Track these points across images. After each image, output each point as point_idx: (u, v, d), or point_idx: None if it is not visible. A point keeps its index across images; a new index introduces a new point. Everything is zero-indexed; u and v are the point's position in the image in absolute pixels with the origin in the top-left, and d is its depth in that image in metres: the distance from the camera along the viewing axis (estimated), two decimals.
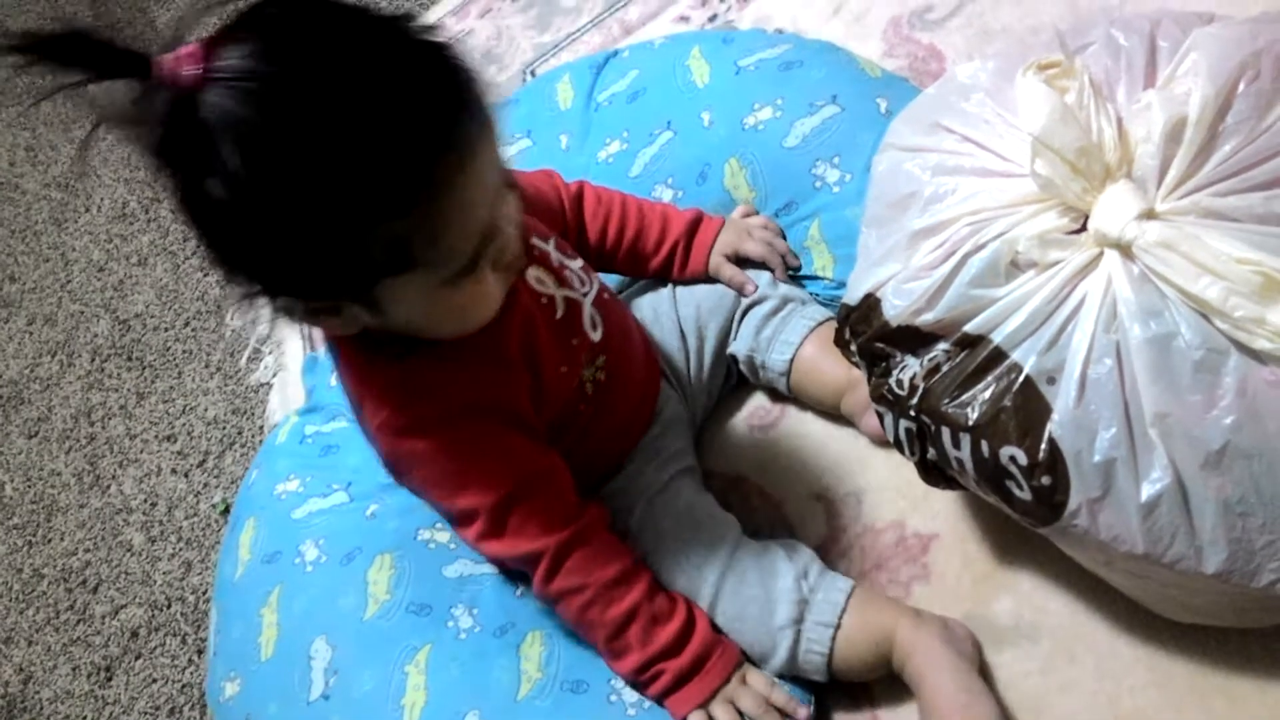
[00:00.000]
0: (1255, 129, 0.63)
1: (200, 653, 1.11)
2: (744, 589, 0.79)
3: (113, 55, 0.57)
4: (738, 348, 0.97)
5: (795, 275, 1.00)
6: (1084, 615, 0.79)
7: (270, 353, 1.31)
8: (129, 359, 1.41)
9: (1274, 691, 0.72)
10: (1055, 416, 0.64)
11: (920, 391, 0.70)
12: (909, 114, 0.78)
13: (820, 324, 0.94)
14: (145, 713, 1.09)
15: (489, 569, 0.87)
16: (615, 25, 1.41)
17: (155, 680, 1.11)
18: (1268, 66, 0.64)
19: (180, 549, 1.20)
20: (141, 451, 1.31)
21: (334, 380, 1.04)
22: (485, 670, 0.79)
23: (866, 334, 0.74)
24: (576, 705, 0.78)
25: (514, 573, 0.85)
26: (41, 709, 1.15)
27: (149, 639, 1.14)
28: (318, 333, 0.78)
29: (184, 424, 1.31)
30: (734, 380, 1.00)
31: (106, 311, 1.49)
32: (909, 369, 0.72)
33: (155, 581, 1.18)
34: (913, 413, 0.71)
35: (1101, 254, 0.65)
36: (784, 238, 1.00)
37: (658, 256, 0.98)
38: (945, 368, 0.69)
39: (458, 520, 0.80)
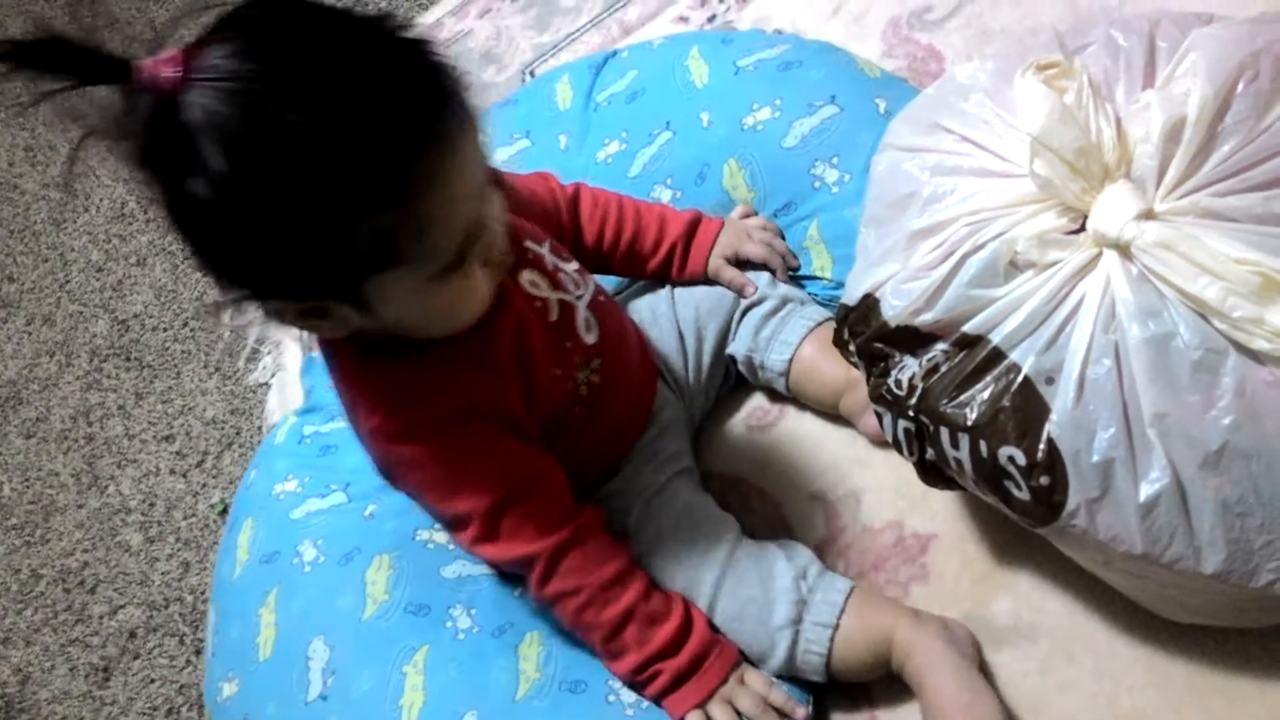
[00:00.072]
0: (1254, 129, 0.63)
1: (198, 653, 1.10)
2: (742, 589, 0.79)
3: (93, 61, 0.57)
4: (736, 348, 0.97)
5: (794, 275, 1.00)
6: (1082, 615, 0.79)
7: (269, 353, 1.31)
8: (127, 359, 1.41)
9: (1273, 691, 0.72)
10: (1054, 416, 0.64)
11: (919, 392, 0.70)
12: (908, 114, 0.78)
13: (819, 324, 0.94)
14: (143, 713, 1.09)
15: (487, 569, 0.87)
16: (614, 25, 1.41)
17: (153, 681, 1.11)
18: (1266, 67, 0.64)
19: (178, 549, 1.20)
20: (140, 452, 1.30)
21: (331, 385, 1.04)
22: (483, 670, 0.79)
23: (865, 334, 0.74)
24: (575, 705, 0.78)
25: (512, 573, 0.85)
26: (39, 709, 1.15)
27: (147, 639, 1.14)
28: (313, 335, 0.78)
29: (182, 424, 1.31)
30: (733, 380, 1.00)
31: (105, 312, 1.48)
32: (908, 369, 0.72)
33: (153, 582, 1.18)
34: (911, 413, 0.71)
35: (1100, 254, 0.65)
36: (783, 238, 1.00)
37: (655, 258, 0.98)
38: (944, 368, 0.69)
39: (452, 525, 0.80)
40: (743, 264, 0.98)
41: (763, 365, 0.95)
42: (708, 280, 0.99)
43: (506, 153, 1.15)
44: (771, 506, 0.93)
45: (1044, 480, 0.65)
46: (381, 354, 0.74)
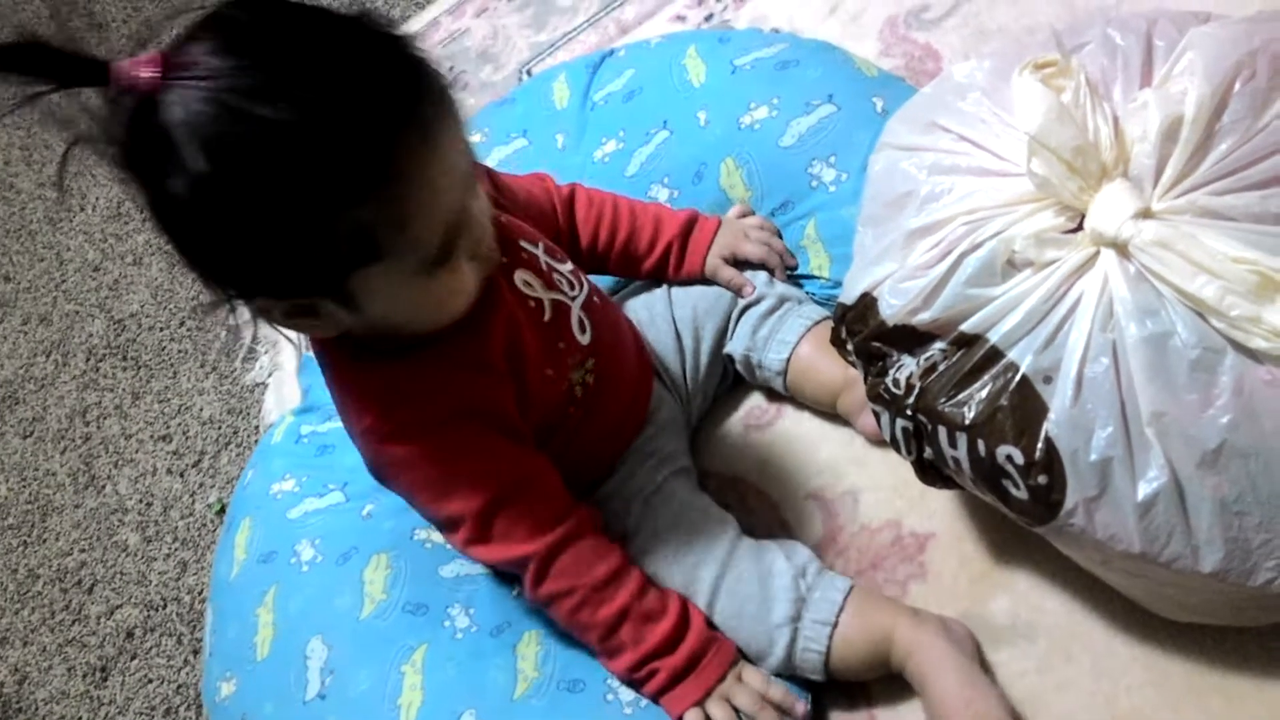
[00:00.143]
0: (1251, 128, 0.63)
1: (196, 653, 1.10)
2: (741, 587, 0.79)
3: (72, 64, 0.58)
4: (734, 347, 0.97)
5: (791, 275, 1.00)
6: (1081, 614, 0.79)
7: (265, 353, 1.31)
8: (124, 359, 1.41)
9: (1271, 690, 0.72)
10: (1052, 415, 0.64)
11: (917, 391, 0.70)
12: (905, 113, 0.78)
13: (817, 323, 0.94)
14: (141, 713, 1.09)
15: (485, 569, 0.87)
16: (611, 25, 1.41)
17: (151, 680, 1.11)
18: (1264, 66, 0.64)
19: (176, 549, 1.19)
20: (137, 451, 1.30)
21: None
22: (482, 670, 0.79)
23: (863, 333, 0.74)
24: (573, 704, 0.78)
25: (510, 573, 0.84)
26: (37, 709, 1.14)
27: (144, 639, 1.14)
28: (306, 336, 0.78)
29: (179, 424, 1.30)
30: (730, 380, 1.00)
31: (101, 311, 1.48)
32: (905, 368, 0.72)
33: (151, 582, 1.18)
34: (909, 412, 0.71)
35: (1098, 253, 0.65)
36: (780, 237, 1.00)
37: (650, 258, 0.98)
38: (942, 367, 0.69)
39: (444, 526, 0.80)
40: (740, 263, 0.98)
41: (760, 364, 0.95)
42: (705, 280, 0.98)
43: (503, 152, 1.15)
44: (769, 506, 0.93)
45: (1042, 479, 0.65)
46: (373, 355, 0.74)
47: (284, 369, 1.28)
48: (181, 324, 1.41)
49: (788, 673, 0.79)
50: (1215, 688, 0.74)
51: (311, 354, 1.15)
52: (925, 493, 0.84)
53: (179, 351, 1.38)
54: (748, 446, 0.97)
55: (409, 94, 0.62)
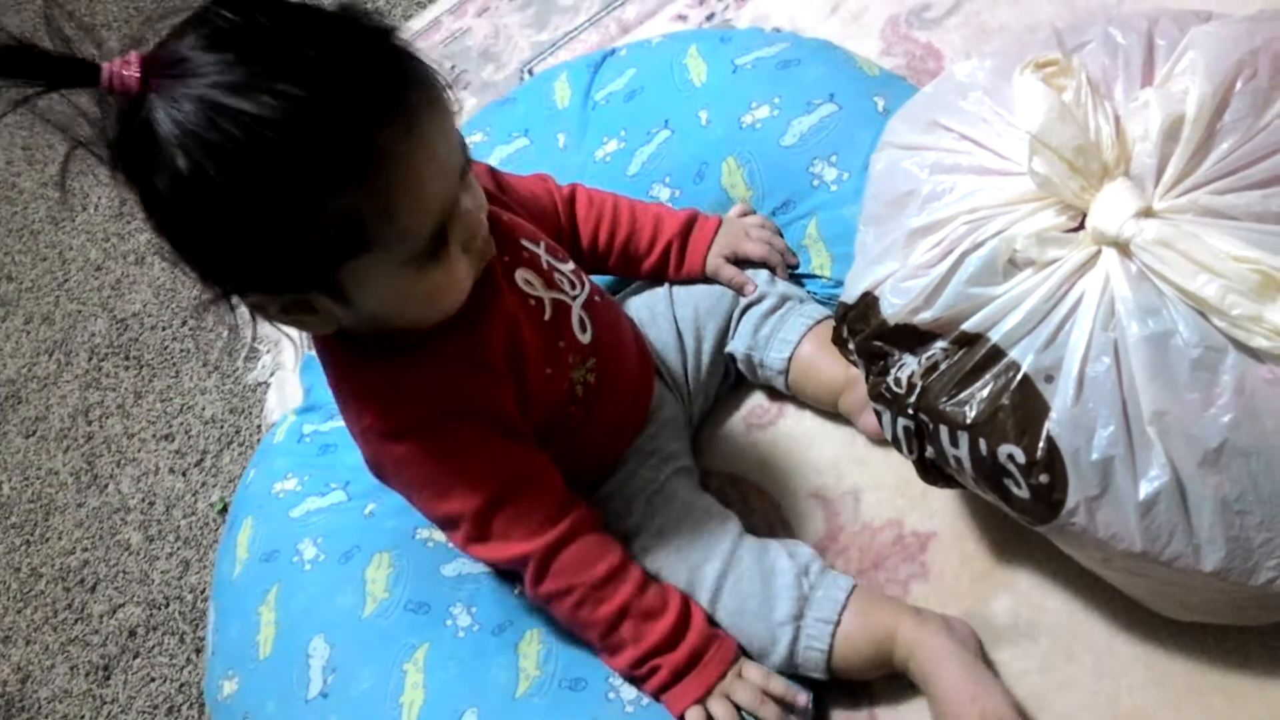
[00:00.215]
0: (1253, 127, 0.63)
1: (198, 651, 1.10)
2: (744, 585, 0.79)
3: (61, 65, 0.58)
4: (736, 346, 0.97)
5: (793, 274, 1.00)
6: (1082, 613, 0.79)
7: (268, 352, 1.31)
8: (126, 358, 1.41)
9: (1273, 689, 0.72)
10: (1053, 414, 0.64)
11: (918, 390, 0.70)
12: (906, 112, 0.78)
13: (818, 322, 0.94)
14: (143, 712, 1.09)
15: (487, 568, 0.87)
16: (613, 24, 1.41)
17: (153, 679, 1.11)
18: (1265, 65, 0.64)
19: (178, 548, 1.20)
20: (139, 450, 1.30)
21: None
22: (483, 668, 0.79)
23: (864, 332, 0.74)
24: (574, 703, 0.78)
25: (512, 571, 0.85)
26: (40, 708, 1.15)
27: (147, 638, 1.14)
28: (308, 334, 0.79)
29: (182, 423, 1.31)
30: (732, 379, 1.00)
31: (104, 310, 1.48)
32: (907, 367, 0.72)
33: (153, 580, 1.18)
34: (911, 411, 0.71)
35: (1099, 252, 0.65)
36: (781, 236, 1.00)
37: (650, 257, 0.98)
38: (943, 366, 0.69)
39: (443, 525, 0.80)
40: (742, 262, 0.98)
41: (762, 363, 0.95)
42: (706, 279, 0.99)
43: (505, 151, 1.15)
44: (771, 505, 0.93)
45: (1043, 478, 0.65)
46: (374, 353, 0.74)
47: (286, 368, 1.28)
48: (184, 323, 1.41)
49: (790, 671, 0.79)
50: (1217, 687, 0.74)
51: (313, 353, 1.15)
52: (927, 492, 0.85)
53: (181, 351, 1.38)
54: (749, 445, 0.97)
55: (392, 82, 0.62)
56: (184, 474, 1.26)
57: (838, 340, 0.79)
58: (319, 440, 1.02)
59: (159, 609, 1.16)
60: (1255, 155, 0.63)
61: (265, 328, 0.73)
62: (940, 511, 0.87)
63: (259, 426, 1.25)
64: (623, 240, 0.97)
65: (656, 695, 0.78)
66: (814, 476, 0.93)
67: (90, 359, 1.43)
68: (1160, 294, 0.63)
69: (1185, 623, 0.74)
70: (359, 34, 0.62)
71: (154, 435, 1.31)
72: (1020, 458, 0.65)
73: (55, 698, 1.14)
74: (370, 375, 0.75)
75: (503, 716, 0.77)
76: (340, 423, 1.00)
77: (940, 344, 0.70)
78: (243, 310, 0.68)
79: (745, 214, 1.01)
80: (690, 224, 0.98)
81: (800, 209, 0.99)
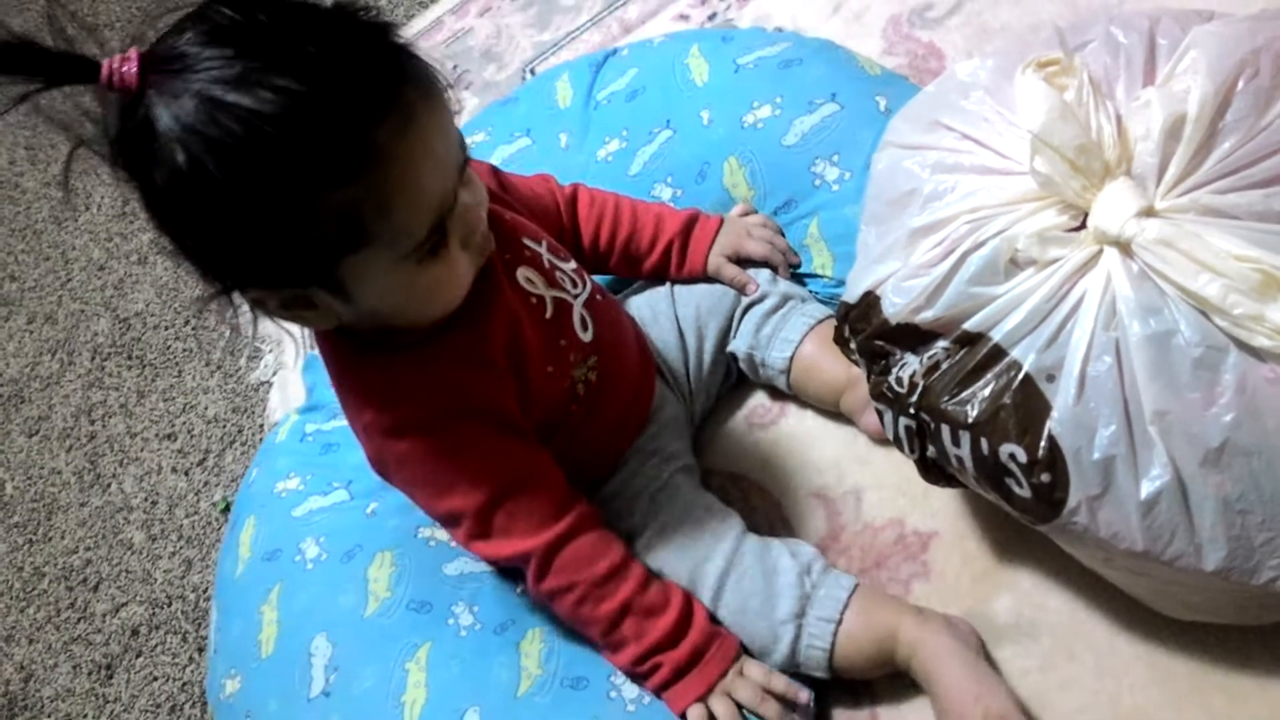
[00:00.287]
0: (1254, 126, 0.63)
1: (201, 650, 1.11)
2: (746, 583, 0.80)
3: (61, 62, 0.58)
4: (737, 345, 0.97)
5: (795, 273, 1.00)
6: (1084, 613, 0.79)
7: (270, 351, 1.32)
8: (129, 357, 1.41)
9: (1274, 688, 0.72)
10: (1055, 414, 0.64)
11: (920, 389, 0.70)
12: (908, 112, 0.78)
13: (820, 322, 0.94)
14: (146, 710, 1.09)
15: (489, 566, 0.87)
16: (614, 24, 1.41)
17: (156, 678, 1.11)
18: (1267, 64, 0.64)
19: (181, 547, 1.20)
20: (142, 450, 1.31)
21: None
22: (485, 667, 0.79)
23: (866, 332, 0.74)
24: (576, 702, 0.78)
25: (513, 570, 0.85)
26: (42, 707, 1.15)
27: (150, 637, 1.15)
28: (313, 333, 0.79)
29: (184, 422, 1.31)
30: (733, 378, 1.00)
31: (107, 310, 1.49)
32: (908, 367, 0.72)
33: (156, 580, 1.19)
34: (912, 410, 0.71)
35: (1101, 251, 0.65)
36: (783, 235, 1.00)
37: (651, 256, 0.98)
38: (945, 365, 0.69)
39: (445, 521, 0.80)
40: (744, 262, 0.98)
41: (763, 363, 0.95)
42: (708, 278, 0.99)
43: (507, 151, 1.15)
44: (772, 504, 0.93)
45: (1045, 477, 0.65)
46: (375, 349, 0.74)
47: (288, 368, 1.28)
48: (186, 323, 1.41)
49: (792, 670, 0.79)
50: (1218, 686, 0.74)
51: (315, 353, 1.15)
52: (928, 491, 0.85)
53: (184, 350, 1.38)
54: (751, 445, 0.97)
55: (390, 79, 0.62)
56: (186, 473, 1.26)
57: (839, 339, 0.79)
58: (321, 439, 1.02)
59: (161, 608, 1.16)
60: (1257, 154, 0.63)
61: (267, 327, 0.73)
62: (942, 511, 0.87)
63: (261, 426, 1.25)
64: (624, 239, 0.98)
65: (658, 692, 0.78)
66: (815, 476, 0.93)
67: (93, 358, 1.44)
68: (1162, 293, 0.63)
69: (1187, 622, 0.74)
70: (357, 30, 0.63)
71: (157, 434, 1.31)
72: (1022, 457, 0.65)
73: (58, 696, 1.15)
74: (372, 372, 0.75)
75: (504, 715, 0.77)
76: (342, 422, 1.01)
77: (942, 343, 0.70)
78: (244, 308, 0.68)
79: (747, 213, 1.01)
80: (691, 223, 0.98)
81: (802, 208, 0.99)
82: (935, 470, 0.74)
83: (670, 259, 0.98)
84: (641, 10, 1.40)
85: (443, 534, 0.89)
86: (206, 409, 1.31)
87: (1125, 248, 0.64)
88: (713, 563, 0.81)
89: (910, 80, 1.08)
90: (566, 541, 0.77)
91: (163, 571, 1.19)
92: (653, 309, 0.99)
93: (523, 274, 0.81)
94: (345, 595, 0.85)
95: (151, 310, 1.45)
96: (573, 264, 0.87)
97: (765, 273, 0.98)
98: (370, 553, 0.88)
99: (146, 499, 1.26)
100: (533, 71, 1.41)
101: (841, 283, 0.91)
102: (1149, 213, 0.64)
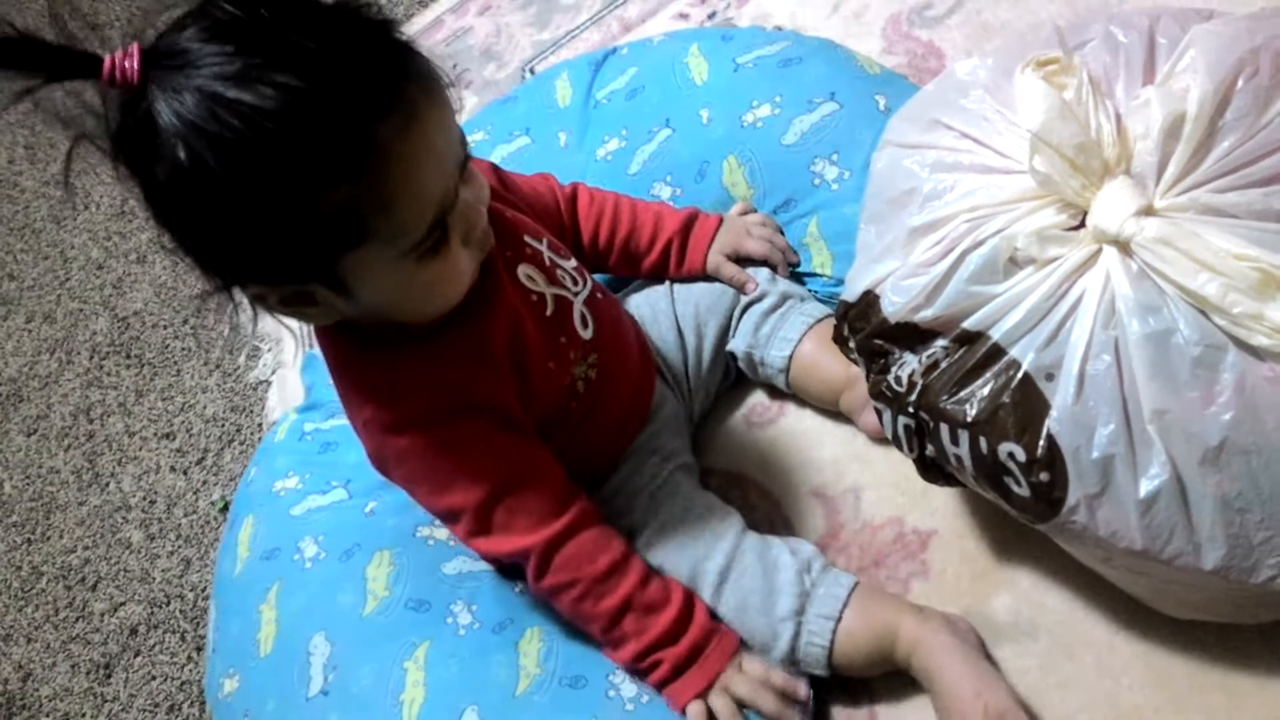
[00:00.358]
0: (1254, 125, 0.63)
1: (199, 650, 1.11)
2: (746, 580, 0.80)
3: (62, 57, 0.58)
4: (736, 344, 0.97)
5: (794, 272, 1.00)
6: (1083, 612, 0.79)
7: (269, 350, 1.32)
8: (128, 356, 1.41)
9: (1274, 687, 0.72)
10: (1054, 413, 0.64)
11: (919, 388, 0.70)
12: (908, 111, 0.78)
13: (819, 321, 0.94)
14: (144, 710, 1.09)
15: (488, 565, 0.87)
16: (614, 23, 1.41)
17: (154, 677, 1.11)
18: (1266, 63, 0.64)
19: (179, 546, 1.20)
20: (140, 449, 1.31)
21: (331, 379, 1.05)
22: (484, 666, 0.79)
23: (865, 331, 0.74)
24: (575, 701, 0.78)
25: (512, 569, 0.85)
26: (41, 706, 1.15)
27: (148, 636, 1.14)
28: (314, 330, 0.79)
29: (183, 421, 1.31)
30: (732, 377, 1.00)
31: (105, 309, 1.48)
32: (907, 366, 0.72)
33: (154, 579, 1.18)
34: (911, 409, 0.71)
35: (1100, 250, 0.65)
36: (782, 234, 1.00)
37: (651, 255, 0.98)
38: (944, 364, 0.69)
39: (445, 518, 0.80)
40: (743, 261, 0.98)
41: (763, 362, 0.95)
42: (707, 277, 0.99)
43: (506, 150, 1.15)
44: (771, 503, 0.93)
45: (1044, 476, 0.65)
46: (376, 345, 0.74)
47: (287, 367, 1.28)
48: (185, 322, 1.41)
49: (791, 668, 0.79)
50: (1217, 685, 0.74)
51: (314, 352, 1.15)
52: (927, 490, 0.85)
53: (182, 349, 1.38)
54: (750, 444, 0.97)
55: (392, 75, 0.62)
56: (185, 472, 1.26)
57: (838, 338, 0.79)
58: (320, 438, 1.02)
59: (160, 607, 1.16)
60: (1256, 153, 0.63)
61: (266, 325, 0.73)
62: (941, 510, 0.87)
63: (260, 425, 1.25)
64: (623, 238, 0.98)
65: (659, 688, 0.78)
66: (814, 474, 0.93)
67: (91, 357, 1.44)
68: (1161, 292, 0.63)
69: (1185, 621, 0.74)
70: (359, 27, 0.63)
71: (155, 434, 1.31)
72: (1021, 456, 0.65)
73: (56, 696, 1.15)
74: (372, 368, 0.75)
75: (503, 714, 0.77)
76: (341, 421, 1.01)
77: (941, 342, 0.70)
78: (245, 306, 0.68)
79: (746, 212, 1.01)
80: (691, 222, 0.99)
81: (801, 207, 0.99)
82: (934, 469, 0.74)
83: (670, 257, 0.98)
84: (641, 9, 1.40)
85: (441, 533, 0.89)
86: (205, 408, 1.30)
87: (1124, 246, 0.64)
88: (713, 560, 0.81)
89: (910, 79, 1.08)
90: (567, 538, 0.77)
91: (161, 570, 1.19)
92: (652, 307, 0.99)
93: (524, 271, 0.81)
94: (344, 594, 0.85)
95: (150, 309, 1.45)
96: (573, 262, 0.87)
97: (764, 272, 0.98)
98: (369, 552, 0.88)
99: (145, 498, 1.26)
100: (532, 70, 1.41)
101: (840, 281, 0.91)
102: (1148, 211, 0.64)
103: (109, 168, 0.61)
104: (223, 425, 1.28)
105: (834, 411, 0.94)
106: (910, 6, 1.21)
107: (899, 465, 0.86)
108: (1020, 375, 0.66)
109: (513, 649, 0.81)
